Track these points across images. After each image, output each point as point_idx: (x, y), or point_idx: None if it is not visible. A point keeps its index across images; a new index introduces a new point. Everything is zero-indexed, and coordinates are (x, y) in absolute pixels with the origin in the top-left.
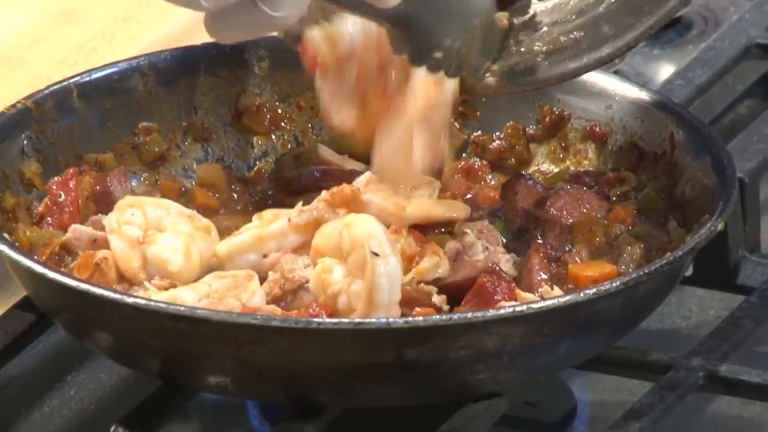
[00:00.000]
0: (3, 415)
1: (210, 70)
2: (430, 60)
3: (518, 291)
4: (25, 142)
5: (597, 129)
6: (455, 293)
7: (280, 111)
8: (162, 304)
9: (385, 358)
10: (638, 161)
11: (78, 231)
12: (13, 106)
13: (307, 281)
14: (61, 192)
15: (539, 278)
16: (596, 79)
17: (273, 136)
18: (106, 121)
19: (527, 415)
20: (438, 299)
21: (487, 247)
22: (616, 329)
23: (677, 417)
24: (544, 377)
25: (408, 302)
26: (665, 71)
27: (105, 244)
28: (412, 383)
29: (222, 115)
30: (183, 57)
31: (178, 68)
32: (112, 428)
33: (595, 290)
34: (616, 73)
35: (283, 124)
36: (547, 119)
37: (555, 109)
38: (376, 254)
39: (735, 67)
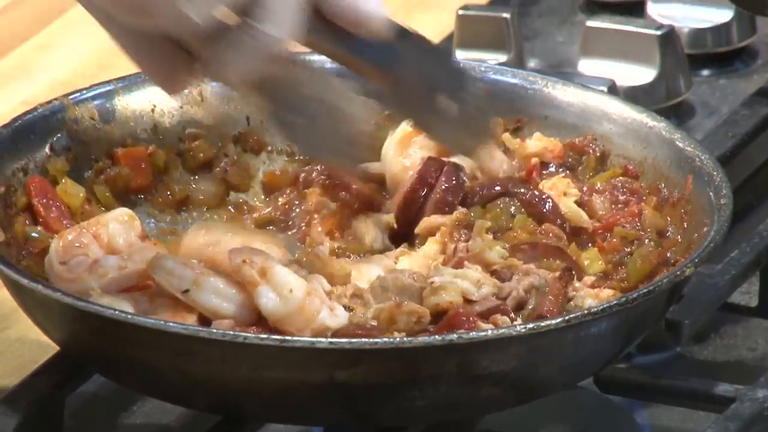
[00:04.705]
0: None
1: None
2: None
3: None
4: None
5: (631, 168)
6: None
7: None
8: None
9: (315, 378)
10: (659, 204)
11: None
12: (49, 102)
13: None
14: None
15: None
16: (637, 116)
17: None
18: None
19: None
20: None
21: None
22: (568, 372)
23: None
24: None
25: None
26: (731, 101)
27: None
28: (347, 405)
29: None
30: None
31: None
32: None
33: (533, 325)
34: (681, 103)
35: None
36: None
37: (599, 145)
38: None
39: None
